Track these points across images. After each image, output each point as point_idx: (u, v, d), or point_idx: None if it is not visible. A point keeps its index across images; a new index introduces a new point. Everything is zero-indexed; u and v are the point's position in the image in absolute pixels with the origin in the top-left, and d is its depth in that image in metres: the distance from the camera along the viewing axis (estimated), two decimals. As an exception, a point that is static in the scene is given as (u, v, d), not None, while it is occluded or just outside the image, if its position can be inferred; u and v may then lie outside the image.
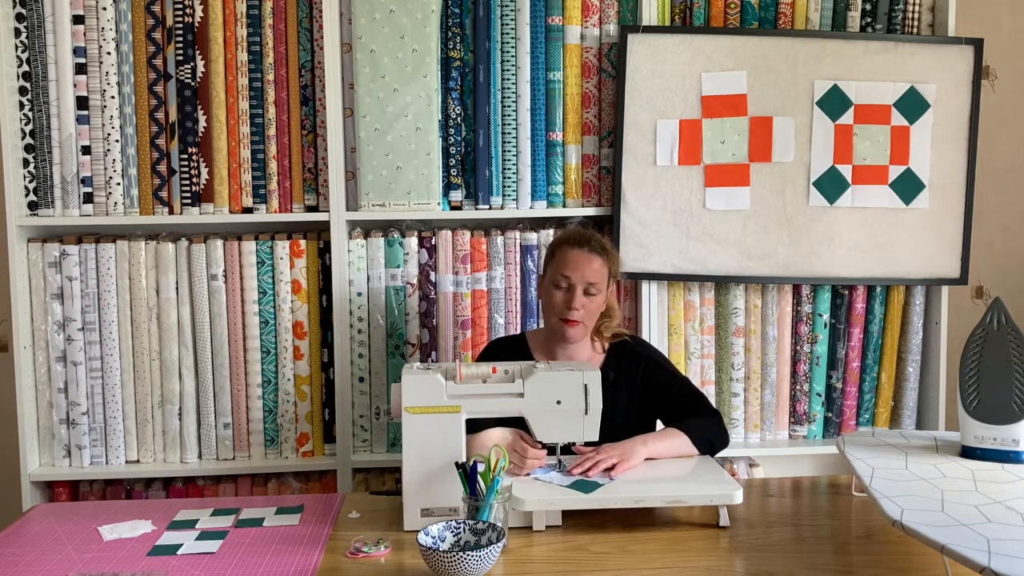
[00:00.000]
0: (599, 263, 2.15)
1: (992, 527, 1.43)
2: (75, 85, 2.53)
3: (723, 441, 2.09)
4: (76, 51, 2.52)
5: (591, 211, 2.68)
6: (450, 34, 2.60)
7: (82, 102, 2.53)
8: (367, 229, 2.68)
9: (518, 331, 2.65)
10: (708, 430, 2.07)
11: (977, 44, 2.64)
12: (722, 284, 2.71)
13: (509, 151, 2.65)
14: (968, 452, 1.80)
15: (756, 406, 2.76)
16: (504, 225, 2.71)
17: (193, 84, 2.56)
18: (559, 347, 2.20)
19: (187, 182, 2.59)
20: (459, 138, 2.64)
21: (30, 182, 2.55)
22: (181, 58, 2.56)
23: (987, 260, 3.08)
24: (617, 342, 2.26)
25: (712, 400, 2.73)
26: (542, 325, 2.38)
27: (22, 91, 2.53)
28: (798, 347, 2.77)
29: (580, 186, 2.68)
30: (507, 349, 2.26)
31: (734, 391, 2.75)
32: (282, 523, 1.85)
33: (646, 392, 2.19)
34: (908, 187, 2.66)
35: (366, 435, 2.67)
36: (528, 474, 1.90)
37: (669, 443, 2.02)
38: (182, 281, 2.60)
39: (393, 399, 1.86)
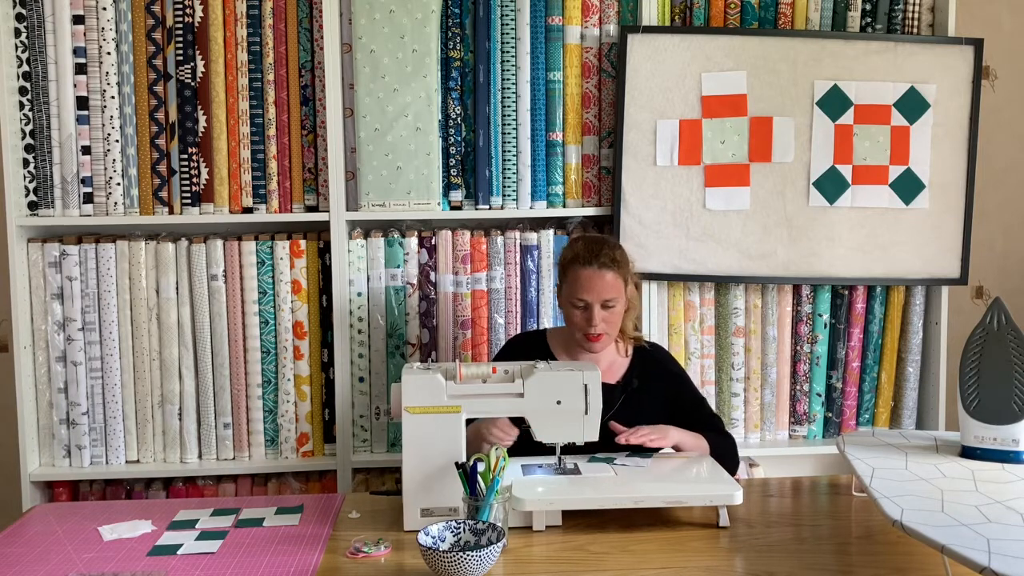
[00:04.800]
0: (611, 276, 2.11)
1: (992, 527, 1.43)
2: (75, 85, 2.53)
3: (736, 467, 2.13)
4: (76, 51, 2.52)
5: (591, 211, 2.68)
6: (450, 34, 2.60)
7: (82, 102, 2.53)
8: (367, 229, 2.67)
9: (518, 331, 2.65)
10: (728, 454, 2.10)
11: (977, 44, 2.64)
12: (722, 284, 2.71)
13: (509, 151, 2.65)
14: (968, 452, 1.80)
15: (756, 406, 2.76)
16: (504, 225, 2.71)
17: (193, 84, 2.56)
18: (581, 352, 2.19)
19: (187, 182, 2.59)
20: (459, 138, 2.64)
21: (30, 182, 2.55)
22: (181, 58, 2.56)
23: (987, 260, 3.08)
24: (638, 347, 2.26)
25: (712, 400, 2.75)
26: (561, 324, 2.38)
27: (22, 91, 2.53)
28: (798, 347, 2.77)
29: (580, 186, 2.68)
30: (527, 347, 2.24)
31: (734, 391, 2.75)
32: (282, 523, 1.85)
33: (671, 407, 2.19)
34: (908, 187, 2.66)
35: (366, 435, 2.67)
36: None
37: (695, 442, 2.06)
38: (182, 281, 2.60)
39: (393, 399, 1.86)
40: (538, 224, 2.71)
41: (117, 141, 2.56)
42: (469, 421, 1.84)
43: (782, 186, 2.64)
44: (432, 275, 2.65)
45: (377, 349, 2.65)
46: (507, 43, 2.62)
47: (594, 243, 2.18)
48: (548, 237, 2.65)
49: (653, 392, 2.19)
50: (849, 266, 2.67)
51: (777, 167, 2.64)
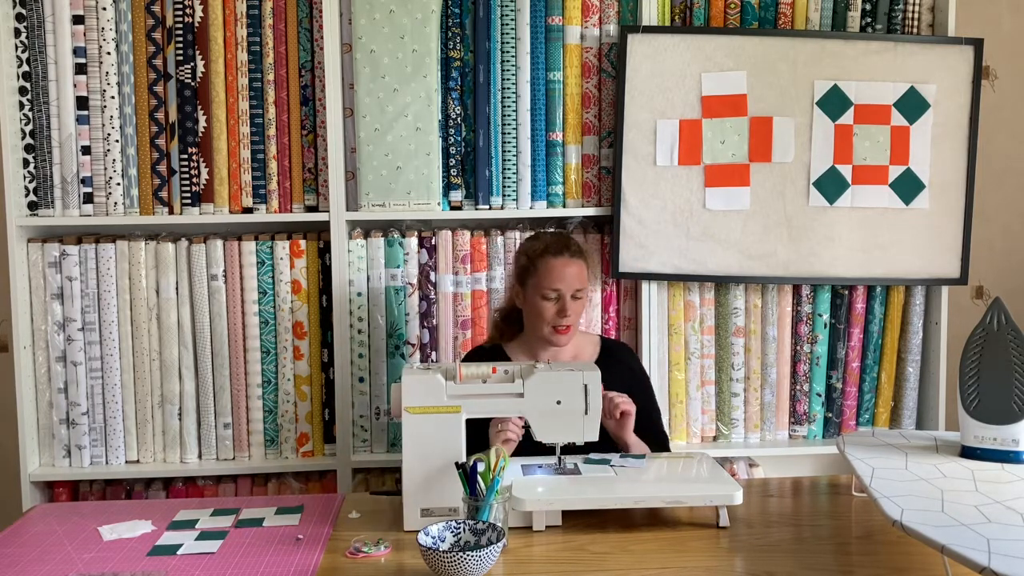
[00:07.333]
0: (581, 265, 2.18)
1: (992, 527, 1.43)
2: (75, 85, 2.53)
3: None
4: (76, 51, 2.52)
5: (591, 211, 2.68)
6: (450, 34, 2.60)
7: (82, 102, 2.53)
8: (367, 229, 2.68)
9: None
10: None
11: (977, 44, 2.64)
12: (722, 284, 2.71)
13: (509, 151, 2.65)
14: (968, 452, 1.80)
15: (756, 406, 2.76)
16: (504, 225, 2.71)
17: (193, 84, 2.56)
18: (543, 351, 2.21)
19: (187, 182, 2.59)
20: (459, 138, 2.64)
21: (30, 182, 2.55)
22: (181, 58, 2.56)
23: (987, 260, 3.08)
24: (608, 343, 2.30)
25: (712, 400, 2.75)
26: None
27: (22, 91, 2.53)
28: (798, 347, 2.77)
29: (580, 186, 2.68)
30: (484, 359, 2.24)
31: (734, 391, 2.75)
32: (282, 523, 1.85)
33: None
34: (908, 187, 2.66)
35: (366, 435, 2.67)
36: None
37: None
38: (182, 281, 2.60)
39: (393, 399, 1.86)
40: (538, 224, 2.71)
41: (117, 141, 2.56)
42: (469, 421, 1.84)
43: (782, 186, 2.65)
44: (432, 275, 2.65)
45: (377, 349, 2.65)
46: (507, 43, 2.62)
47: (560, 236, 2.25)
48: (548, 237, 2.65)
49: (617, 387, 2.12)
50: (849, 266, 2.67)
51: (777, 167, 2.64)
